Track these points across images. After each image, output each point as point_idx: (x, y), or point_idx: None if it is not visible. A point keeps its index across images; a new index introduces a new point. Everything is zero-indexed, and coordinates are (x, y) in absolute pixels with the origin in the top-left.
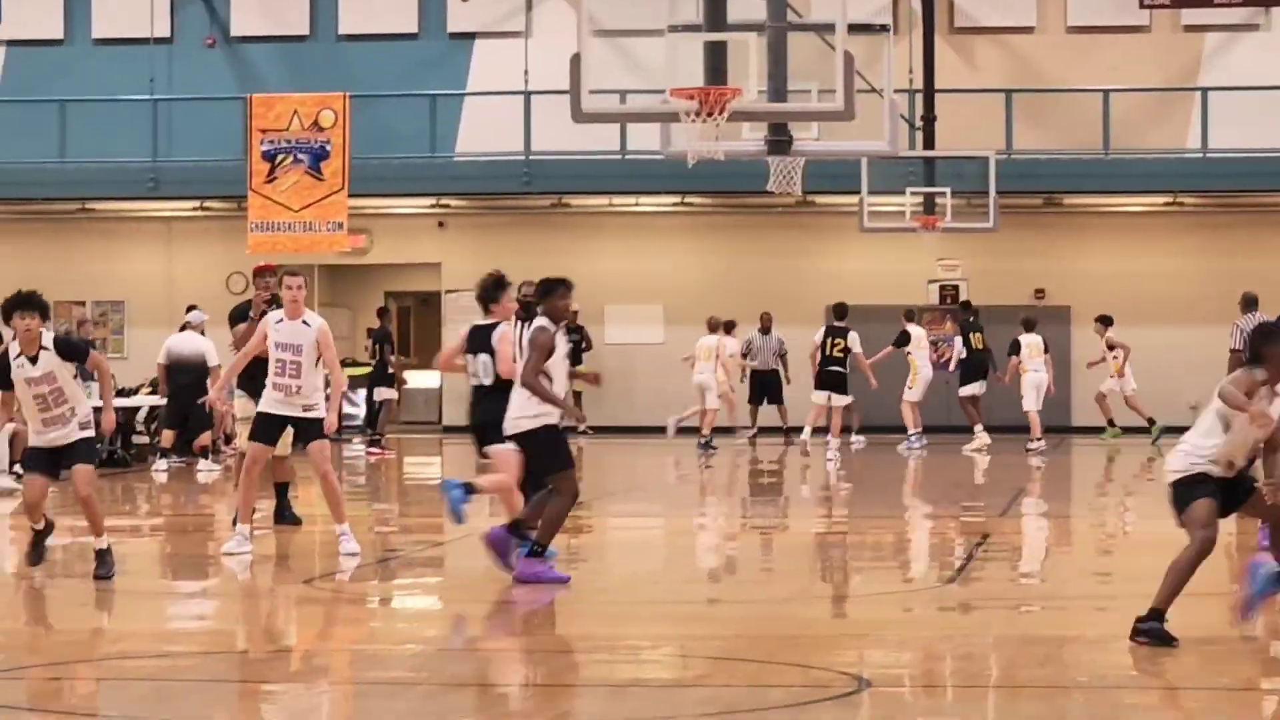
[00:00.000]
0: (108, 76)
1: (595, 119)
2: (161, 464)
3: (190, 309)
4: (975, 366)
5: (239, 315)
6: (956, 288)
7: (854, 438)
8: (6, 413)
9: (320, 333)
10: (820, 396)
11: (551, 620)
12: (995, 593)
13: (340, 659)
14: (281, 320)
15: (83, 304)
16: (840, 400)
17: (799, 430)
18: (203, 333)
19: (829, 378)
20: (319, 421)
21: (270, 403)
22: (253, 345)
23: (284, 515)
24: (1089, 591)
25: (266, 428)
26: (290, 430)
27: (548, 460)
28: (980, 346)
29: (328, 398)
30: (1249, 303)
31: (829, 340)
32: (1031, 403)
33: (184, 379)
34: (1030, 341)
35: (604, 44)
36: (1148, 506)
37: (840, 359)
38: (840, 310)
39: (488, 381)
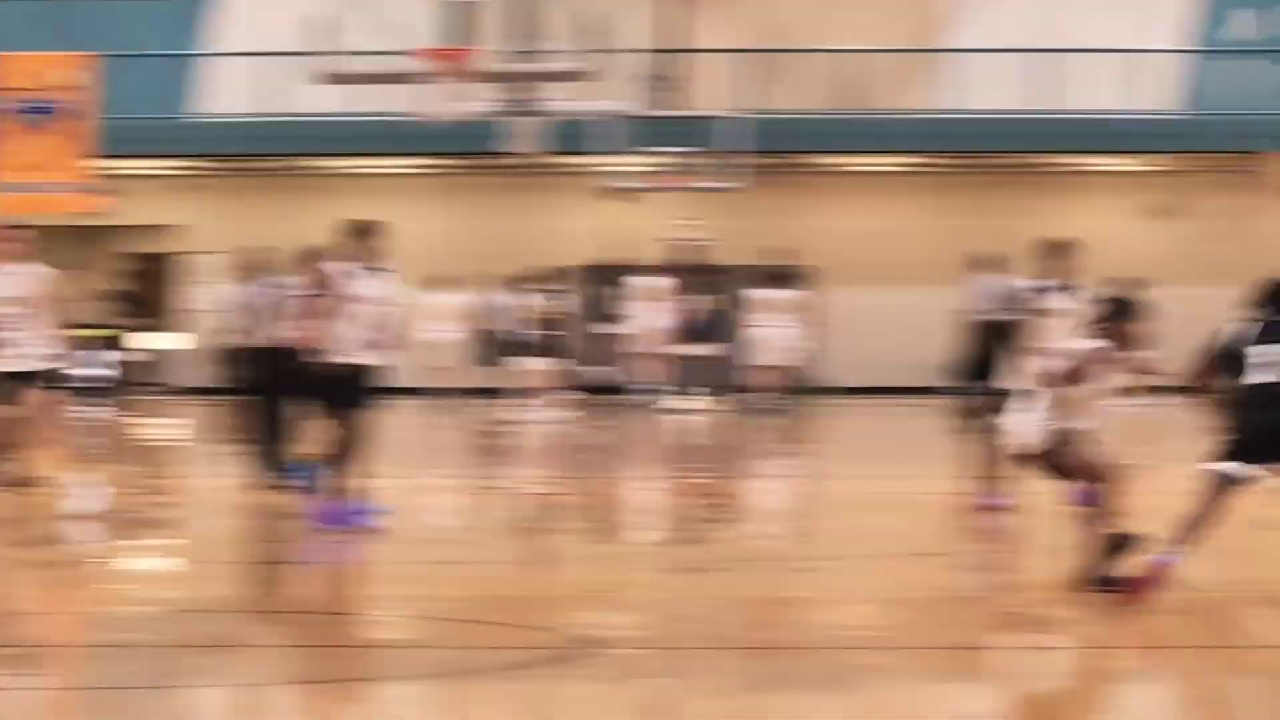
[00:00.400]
0: None
1: (337, 80)
2: None
3: None
4: (708, 327)
5: None
6: (701, 248)
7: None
8: None
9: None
10: (537, 361)
11: (288, 583)
12: (726, 554)
13: (71, 623)
14: None
15: None
16: (555, 365)
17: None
18: None
19: (549, 341)
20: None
21: None
22: None
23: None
24: (821, 552)
25: None
26: None
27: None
28: (718, 307)
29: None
30: (983, 263)
31: (548, 303)
32: (769, 360)
33: None
34: (769, 298)
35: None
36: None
37: (559, 321)
38: (559, 273)
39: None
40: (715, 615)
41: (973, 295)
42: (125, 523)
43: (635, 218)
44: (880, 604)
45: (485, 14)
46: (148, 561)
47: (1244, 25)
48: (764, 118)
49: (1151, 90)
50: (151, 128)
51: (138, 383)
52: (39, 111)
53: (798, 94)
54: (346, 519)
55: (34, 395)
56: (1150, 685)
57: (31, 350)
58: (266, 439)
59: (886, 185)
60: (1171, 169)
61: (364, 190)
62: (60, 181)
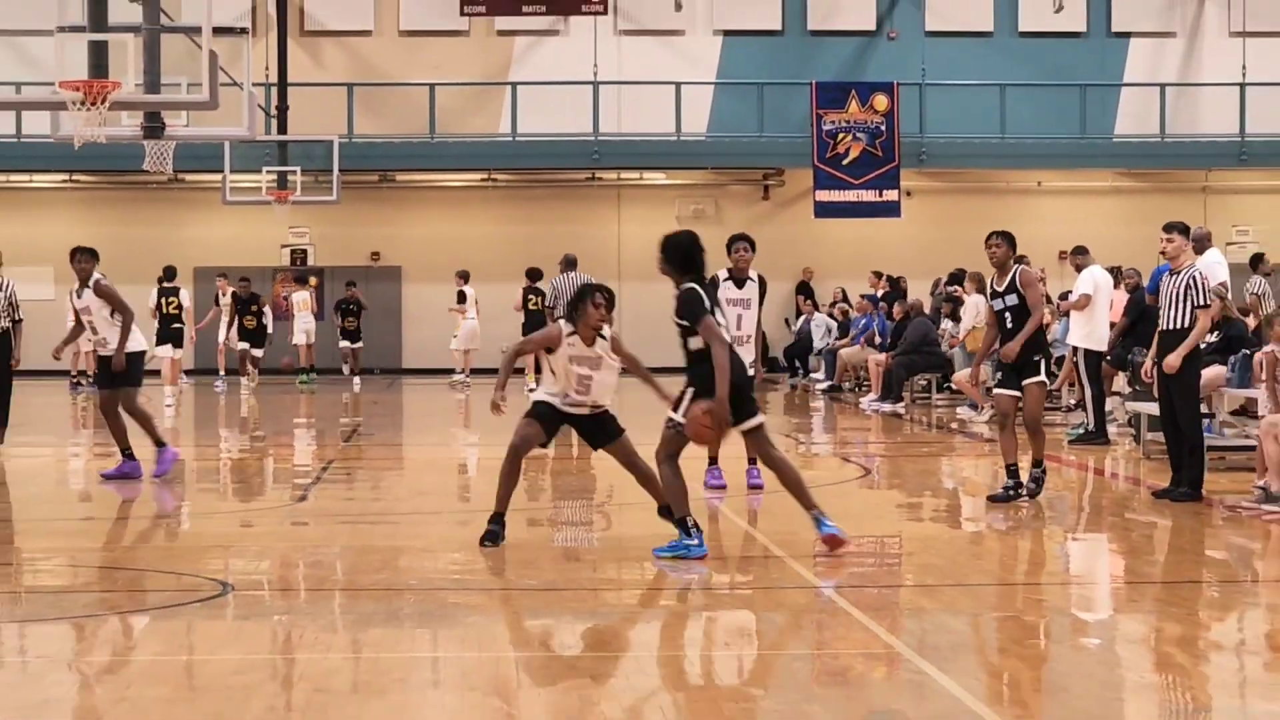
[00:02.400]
0: None
1: None
2: None
3: None
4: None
5: None
6: (305, 252)
7: (217, 382)
8: None
9: None
10: (164, 349)
11: None
12: (338, 510)
13: None
14: None
15: None
16: (178, 352)
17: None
18: None
19: (170, 333)
20: None
21: None
22: None
23: None
24: (416, 508)
25: None
26: None
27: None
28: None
29: None
30: (569, 263)
31: (163, 299)
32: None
33: None
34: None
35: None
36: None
37: (176, 315)
38: (170, 272)
39: None
40: (335, 561)
41: (556, 289)
42: None
43: (252, 226)
44: (464, 551)
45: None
46: None
47: (759, 63)
48: (356, 141)
49: (689, 117)
50: None
51: None
52: None
53: (388, 122)
54: None
55: None
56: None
57: None
58: None
59: (461, 199)
60: (703, 182)
61: (13, 202)
62: None
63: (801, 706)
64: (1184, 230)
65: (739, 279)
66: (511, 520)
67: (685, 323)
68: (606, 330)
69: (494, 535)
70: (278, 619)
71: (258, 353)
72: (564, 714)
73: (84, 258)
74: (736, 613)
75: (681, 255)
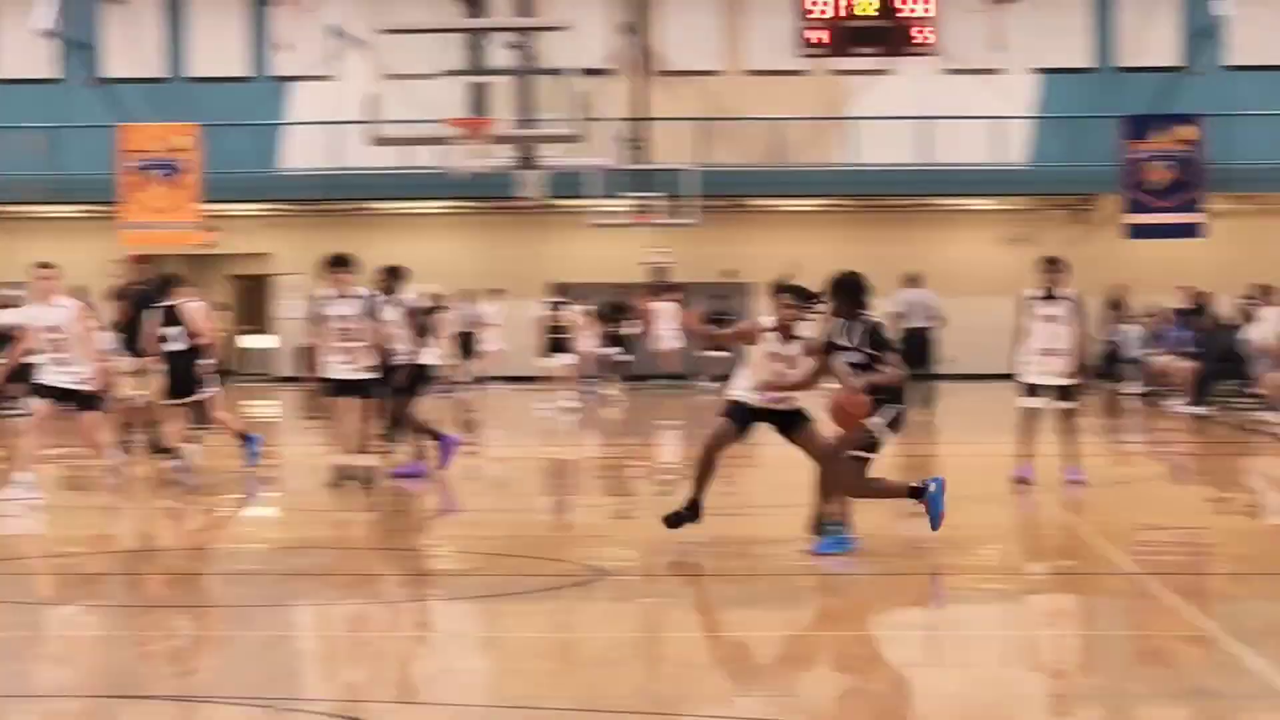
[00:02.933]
0: (11, 107)
1: (386, 143)
2: None
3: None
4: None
5: (119, 295)
6: (666, 270)
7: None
8: None
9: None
10: (558, 358)
11: (365, 527)
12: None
13: (201, 556)
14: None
15: None
16: (569, 360)
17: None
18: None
19: (558, 343)
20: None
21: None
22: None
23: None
24: (770, 501)
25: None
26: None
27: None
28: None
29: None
30: (911, 280)
31: (554, 312)
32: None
33: None
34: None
35: (393, 84)
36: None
37: (564, 326)
38: (560, 288)
39: None
40: (698, 549)
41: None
42: (241, 480)
43: (615, 247)
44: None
45: (498, 91)
46: (261, 509)
47: (1072, 97)
48: (710, 170)
49: (1009, 148)
50: (248, 179)
51: (244, 373)
52: (160, 168)
53: (736, 152)
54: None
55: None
56: None
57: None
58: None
59: (805, 221)
60: (1023, 208)
61: (406, 227)
62: (177, 221)
63: (1123, 684)
64: None
65: (1049, 296)
66: (865, 514)
67: (876, 352)
68: (803, 329)
69: (680, 518)
70: (646, 602)
71: (621, 359)
72: (908, 687)
73: (388, 276)
74: (1061, 596)
75: (855, 292)
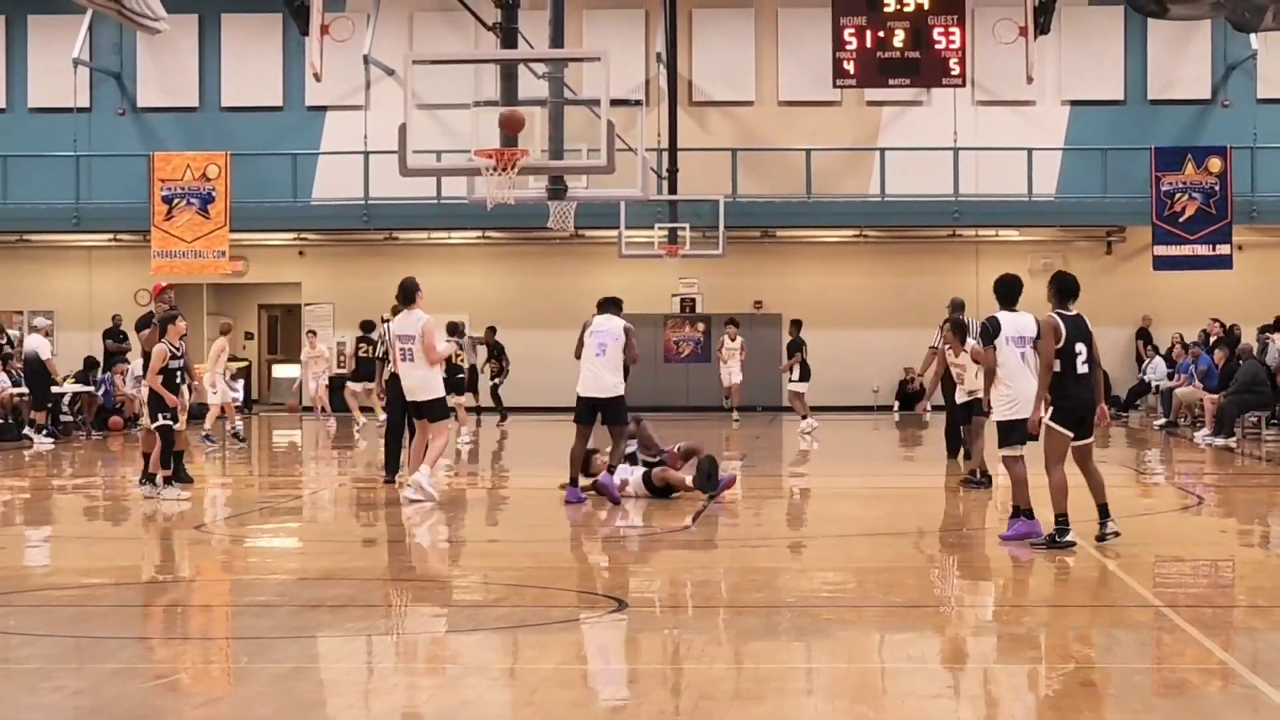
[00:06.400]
0: (41, 137)
1: (416, 173)
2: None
3: (35, 314)
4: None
5: (144, 323)
6: (694, 300)
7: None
8: None
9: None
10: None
11: (385, 558)
12: (722, 535)
13: (221, 587)
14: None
15: (20, 313)
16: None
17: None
18: (47, 334)
19: None
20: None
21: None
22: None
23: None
24: (792, 533)
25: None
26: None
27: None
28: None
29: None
30: (957, 306)
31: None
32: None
33: (27, 370)
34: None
35: (424, 115)
36: (828, 466)
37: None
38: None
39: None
40: (720, 581)
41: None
42: (266, 509)
43: (645, 276)
44: (837, 572)
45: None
46: (284, 539)
47: (1103, 129)
48: (738, 200)
49: (1039, 179)
50: (278, 208)
51: (269, 401)
52: (191, 197)
53: (765, 183)
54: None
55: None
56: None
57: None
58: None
59: (834, 252)
60: (1052, 239)
61: (436, 257)
62: (207, 250)
63: (1141, 716)
64: None
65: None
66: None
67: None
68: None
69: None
70: (667, 632)
71: None
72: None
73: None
74: (1079, 628)
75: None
